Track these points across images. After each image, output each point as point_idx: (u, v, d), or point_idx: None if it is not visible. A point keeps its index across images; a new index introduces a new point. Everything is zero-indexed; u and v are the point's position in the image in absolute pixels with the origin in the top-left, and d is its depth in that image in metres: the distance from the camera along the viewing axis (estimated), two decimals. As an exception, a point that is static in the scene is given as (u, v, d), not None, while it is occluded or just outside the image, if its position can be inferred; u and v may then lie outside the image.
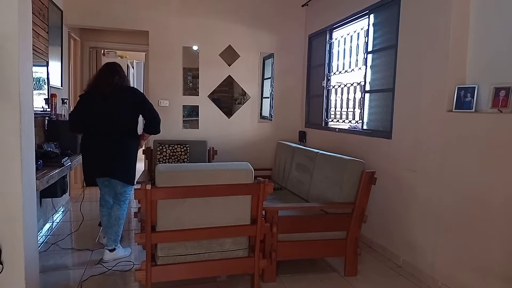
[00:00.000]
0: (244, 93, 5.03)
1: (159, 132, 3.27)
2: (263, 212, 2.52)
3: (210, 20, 4.81)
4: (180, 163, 4.34)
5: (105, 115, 3.01)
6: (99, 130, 3.02)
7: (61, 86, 4.26)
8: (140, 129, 3.27)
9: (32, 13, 2.40)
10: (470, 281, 2.46)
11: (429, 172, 2.82)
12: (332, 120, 4.59)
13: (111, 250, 3.06)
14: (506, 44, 2.40)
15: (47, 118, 3.65)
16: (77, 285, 2.64)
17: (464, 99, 2.58)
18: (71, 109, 4.18)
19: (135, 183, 3.22)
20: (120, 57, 6.84)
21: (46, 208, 3.76)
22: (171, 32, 4.71)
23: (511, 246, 2.20)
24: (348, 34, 4.18)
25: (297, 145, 4.20)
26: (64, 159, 3.04)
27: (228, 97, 5.00)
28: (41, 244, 3.35)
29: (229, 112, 5.01)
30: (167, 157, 4.33)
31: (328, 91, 4.61)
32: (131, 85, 3.40)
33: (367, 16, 3.71)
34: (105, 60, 6.18)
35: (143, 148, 4.11)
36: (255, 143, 5.09)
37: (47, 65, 3.67)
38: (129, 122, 3.13)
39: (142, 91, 3.72)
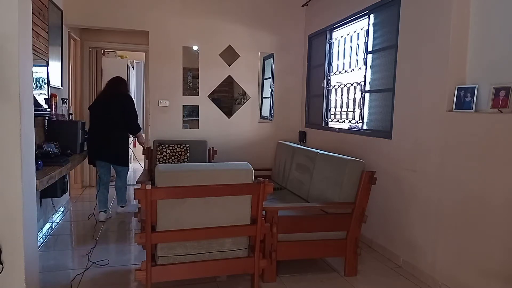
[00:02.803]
0: (244, 93, 5.03)
1: (136, 132, 4.33)
2: (263, 212, 2.52)
3: (210, 20, 4.81)
4: (180, 163, 4.33)
5: (102, 115, 4.04)
6: (98, 127, 4.05)
7: (61, 86, 4.26)
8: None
9: (32, 13, 2.40)
10: (470, 281, 2.46)
11: (429, 172, 2.82)
12: (332, 120, 4.59)
13: (122, 206, 4.39)
14: (506, 44, 2.40)
15: (47, 118, 3.65)
16: (77, 285, 2.64)
17: (464, 99, 2.58)
18: (71, 109, 4.46)
19: (129, 165, 4.42)
20: (120, 57, 6.83)
21: (46, 208, 3.76)
22: (171, 32, 4.71)
23: (511, 246, 2.20)
24: (348, 34, 4.18)
25: (297, 145, 4.20)
26: (64, 159, 3.04)
27: (228, 97, 5.00)
28: (41, 244, 3.35)
29: (229, 112, 5.01)
30: (167, 157, 4.33)
31: (328, 91, 4.61)
32: (129, 92, 4.38)
33: (367, 16, 3.71)
34: (105, 60, 6.19)
35: (143, 146, 4.70)
36: (255, 143, 5.09)
37: (47, 65, 3.67)
38: (119, 121, 4.07)
39: (133, 99, 4.47)
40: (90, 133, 4.08)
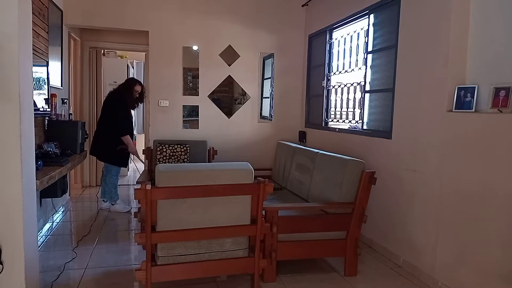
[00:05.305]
0: (244, 93, 5.03)
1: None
2: (263, 212, 2.53)
3: (210, 20, 4.81)
4: (180, 163, 4.33)
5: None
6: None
7: (61, 86, 4.26)
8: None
9: (32, 13, 2.40)
10: (470, 281, 2.46)
11: (429, 172, 2.82)
12: (332, 120, 4.59)
13: (112, 204, 4.47)
14: (506, 44, 2.40)
15: (47, 118, 3.65)
16: (77, 285, 2.64)
17: (464, 99, 2.58)
18: (71, 109, 4.50)
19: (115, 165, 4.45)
20: (120, 57, 6.83)
21: (46, 208, 3.76)
22: (171, 32, 4.71)
23: (511, 246, 2.20)
24: (348, 34, 4.18)
25: (297, 145, 4.20)
26: (64, 159, 3.05)
27: (228, 97, 5.00)
28: (41, 244, 3.35)
29: (229, 112, 5.01)
30: (167, 157, 4.33)
31: (328, 91, 4.61)
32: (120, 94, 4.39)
33: (367, 16, 3.71)
34: (105, 60, 6.18)
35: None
36: (255, 143, 5.09)
37: (47, 65, 3.67)
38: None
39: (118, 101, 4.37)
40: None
